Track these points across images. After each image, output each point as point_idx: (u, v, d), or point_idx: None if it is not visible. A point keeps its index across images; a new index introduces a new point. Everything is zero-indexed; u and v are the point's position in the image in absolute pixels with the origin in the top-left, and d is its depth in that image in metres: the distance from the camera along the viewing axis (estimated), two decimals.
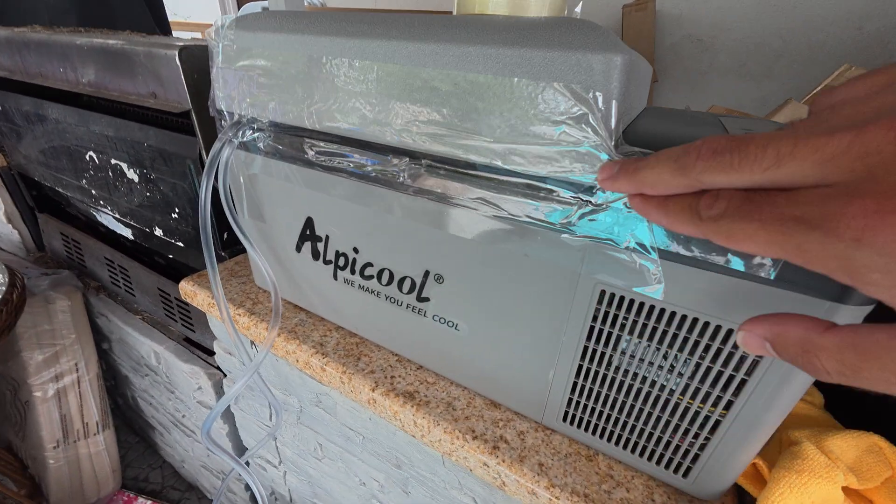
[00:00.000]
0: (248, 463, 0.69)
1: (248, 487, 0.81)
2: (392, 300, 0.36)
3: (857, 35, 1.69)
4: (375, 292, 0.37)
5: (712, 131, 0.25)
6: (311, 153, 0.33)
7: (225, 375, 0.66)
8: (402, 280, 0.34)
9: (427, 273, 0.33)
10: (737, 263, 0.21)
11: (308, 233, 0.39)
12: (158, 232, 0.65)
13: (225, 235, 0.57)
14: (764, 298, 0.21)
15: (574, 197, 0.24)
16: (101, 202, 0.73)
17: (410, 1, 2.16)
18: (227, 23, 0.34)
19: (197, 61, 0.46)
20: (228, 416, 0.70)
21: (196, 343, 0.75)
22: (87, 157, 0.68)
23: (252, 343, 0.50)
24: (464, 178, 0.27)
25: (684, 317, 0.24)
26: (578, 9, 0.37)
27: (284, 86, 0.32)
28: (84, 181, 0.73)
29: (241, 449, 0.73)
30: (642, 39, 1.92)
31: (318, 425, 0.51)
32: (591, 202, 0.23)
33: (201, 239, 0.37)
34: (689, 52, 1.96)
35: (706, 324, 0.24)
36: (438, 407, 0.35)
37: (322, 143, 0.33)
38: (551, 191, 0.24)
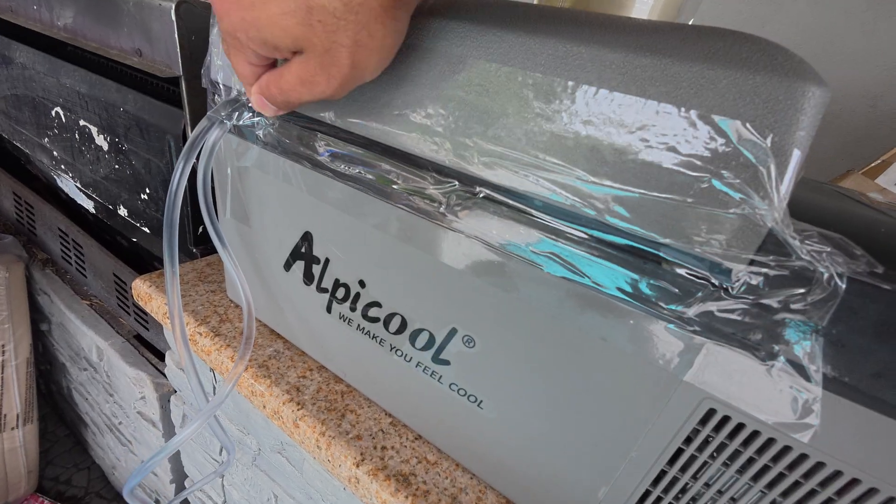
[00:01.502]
0: (187, 501, 0.59)
1: None
2: (399, 353, 0.28)
3: (871, 112, 1.73)
4: (378, 339, 0.29)
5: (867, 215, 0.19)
6: (323, 153, 0.26)
7: (174, 392, 0.56)
8: (416, 332, 0.27)
9: (454, 331, 0.25)
10: None
11: (303, 251, 0.31)
12: (123, 211, 0.55)
13: (199, 229, 0.48)
14: None
15: (700, 277, 0.17)
16: (63, 167, 0.63)
17: None
18: None
19: (197, 20, 0.38)
20: (172, 433, 0.60)
21: (147, 343, 0.65)
22: (53, 114, 0.58)
23: (212, 371, 0.42)
24: (533, 223, 0.20)
25: (827, 467, 0.17)
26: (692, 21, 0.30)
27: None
28: (46, 140, 0.63)
29: (181, 474, 0.63)
30: None
31: (277, 474, 0.42)
32: (726, 289, 0.16)
33: (163, 233, 0.29)
34: None
35: (857, 482, 0.17)
36: (441, 500, 0.27)
37: (341, 143, 0.25)
38: (667, 262, 0.17)
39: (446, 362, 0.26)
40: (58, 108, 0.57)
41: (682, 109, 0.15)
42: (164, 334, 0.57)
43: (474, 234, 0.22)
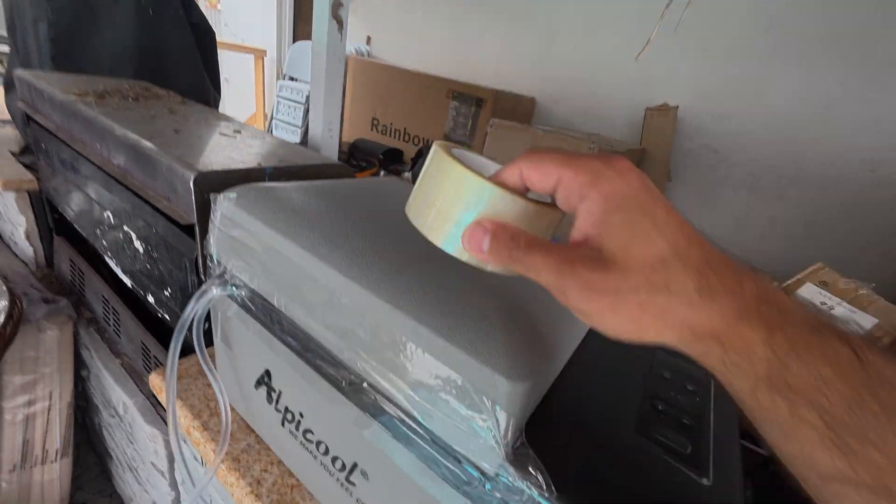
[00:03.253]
0: None
1: None
2: (325, 468, 0.38)
3: (870, 176, 1.73)
4: (313, 455, 0.39)
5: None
6: (276, 326, 0.37)
7: None
8: (335, 458, 0.37)
9: (355, 465, 0.35)
10: None
11: (265, 380, 0.42)
12: (151, 299, 0.69)
13: (206, 325, 0.60)
14: None
15: (477, 470, 0.26)
16: (109, 252, 0.78)
17: (450, 67, 2.29)
18: (230, 195, 0.39)
19: (210, 183, 0.51)
20: (174, 487, 0.71)
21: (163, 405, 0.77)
22: (105, 216, 0.73)
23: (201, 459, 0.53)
24: (390, 405, 0.30)
25: None
26: None
27: (264, 267, 0.36)
28: (98, 231, 0.78)
29: None
30: (661, 141, 1.99)
31: None
32: (488, 479, 0.25)
33: (170, 347, 0.40)
34: (705, 160, 2.02)
35: None
36: None
37: (286, 324, 0.36)
38: (457, 458, 0.27)
39: (353, 483, 0.36)
40: (109, 213, 0.72)
41: (454, 375, 0.25)
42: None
43: (362, 411, 0.32)
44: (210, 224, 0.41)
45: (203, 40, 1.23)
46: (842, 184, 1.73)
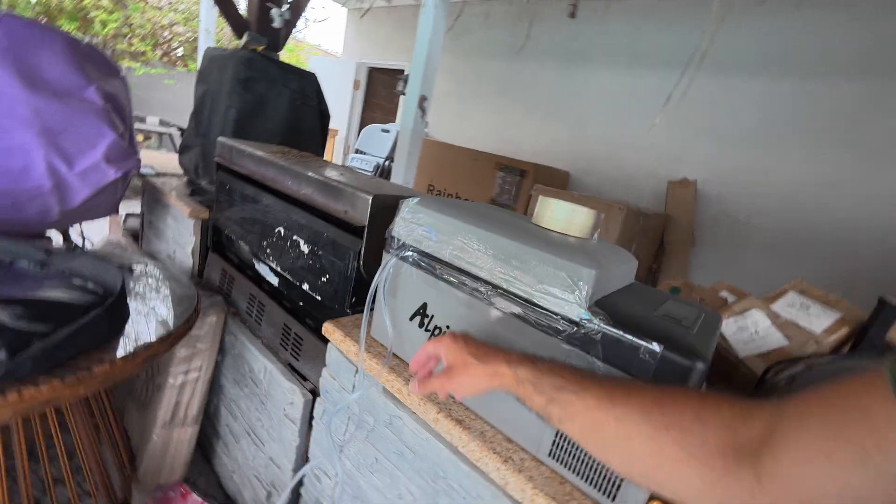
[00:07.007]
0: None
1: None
2: None
3: (881, 244, 1.91)
4: None
5: (644, 312, 0.52)
6: (438, 272, 0.64)
7: (315, 398, 0.91)
8: None
9: None
10: (628, 366, 0.46)
11: (421, 311, 0.68)
12: (305, 286, 0.98)
13: (353, 299, 0.88)
14: None
15: (566, 323, 0.50)
16: (271, 258, 1.09)
17: (495, 145, 2.74)
18: (413, 200, 0.69)
19: (381, 202, 0.82)
20: (305, 429, 0.93)
21: (295, 370, 1.02)
22: (277, 230, 1.06)
23: (355, 373, 0.77)
24: (516, 302, 0.55)
25: None
26: (596, 235, 0.66)
27: (434, 235, 0.64)
28: (265, 243, 1.11)
29: (303, 461, 0.94)
30: (684, 211, 2.26)
31: (381, 443, 0.74)
32: (576, 328, 0.50)
33: (366, 302, 0.67)
34: (726, 226, 2.26)
35: None
36: (475, 432, 0.58)
37: (447, 267, 0.63)
38: (556, 318, 0.51)
39: None
40: (280, 228, 1.05)
41: (559, 271, 0.51)
42: (310, 363, 0.95)
43: (496, 308, 0.57)
44: (396, 217, 0.71)
45: (323, 119, 1.67)
46: (854, 249, 1.90)
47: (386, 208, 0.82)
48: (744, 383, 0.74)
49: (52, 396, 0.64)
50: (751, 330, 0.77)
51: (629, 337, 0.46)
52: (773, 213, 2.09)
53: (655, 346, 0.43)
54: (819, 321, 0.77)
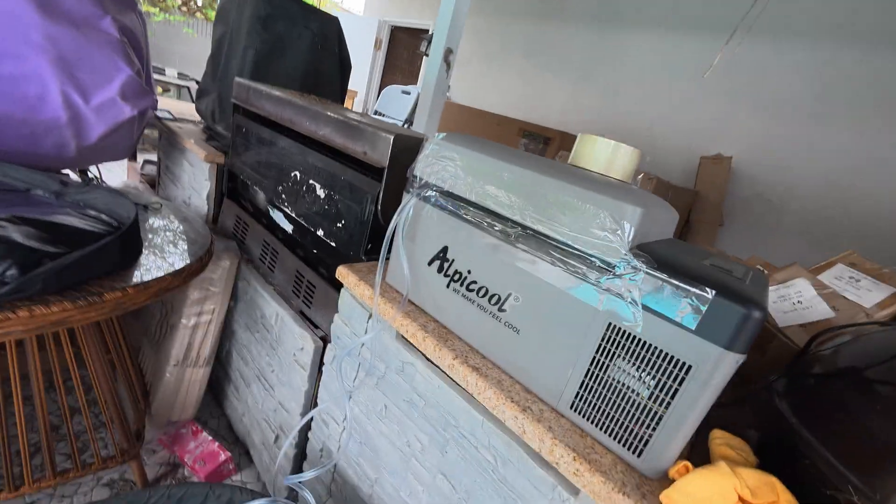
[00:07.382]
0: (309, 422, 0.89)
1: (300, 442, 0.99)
2: (480, 307, 0.59)
3: None
4: (471, 300, 0.60)
5: (692, 260, 0.47)
6: (461, 212, 0.59)
7: (325, 346, 0.89)
8: (492, 296, 0.57)
9: (509, 294, 0.55)
10: (671, 314, 0.41)
11: (441, 255, 0.64)
12: (320, 232, 0.95)
13: (369, 246, 0.84)
14: (687, 340, 0.41)
15: (602, 266, 0.46)
16: (286, 203, 1.06)
17: (520, 111, 2.62)
18: (440, 136, 0.64)
19: (402, 142, 0.77)
20: (315, 375, 0.92)
21: (307, 317, 1.01)
22: (292, 174, 1.02)
23: (368, 319, 0.74)
24: (547, 244, 0.51)
25: (650, 345, 0.44)
26: (639, 178, 0.61)
27: (461, 173, 0.60)
28: (280, 187, 1.07)
29: (309, 407, 0.94)
30: (715, 188, 2.15)
31: (391, 390, 0.72)
32: (612, 272, 0.45)
33: (382, 247, 0.63)
34: (758, 208, 2.15)
35: (661, 351, 0.43)
36: (492, 380, 0.55)
37: (472, 208, 0.58)
38: (592, 261, 0.47)
39: (504, 310, 0.56)
40: (296, 172, 1.01)
41: (600, 210, 0.46)
42: (321, 310, 0.93)
43: (524, 250, 0.53)
44: (420, 155, 0.66)
45: (344, 69, 1.60)
46: (893, 236, 1.79)
47: (407, 150, 0.77)
48: (779, 354, 0.69)
49: (63, 317, 0.63)
50: (793, 300, 0.72)
51: (675, 282, 0.42)
52: (811, 193, 1.97)
53: (708, 291, 0.39)
54: (870, 295, 0.70)
